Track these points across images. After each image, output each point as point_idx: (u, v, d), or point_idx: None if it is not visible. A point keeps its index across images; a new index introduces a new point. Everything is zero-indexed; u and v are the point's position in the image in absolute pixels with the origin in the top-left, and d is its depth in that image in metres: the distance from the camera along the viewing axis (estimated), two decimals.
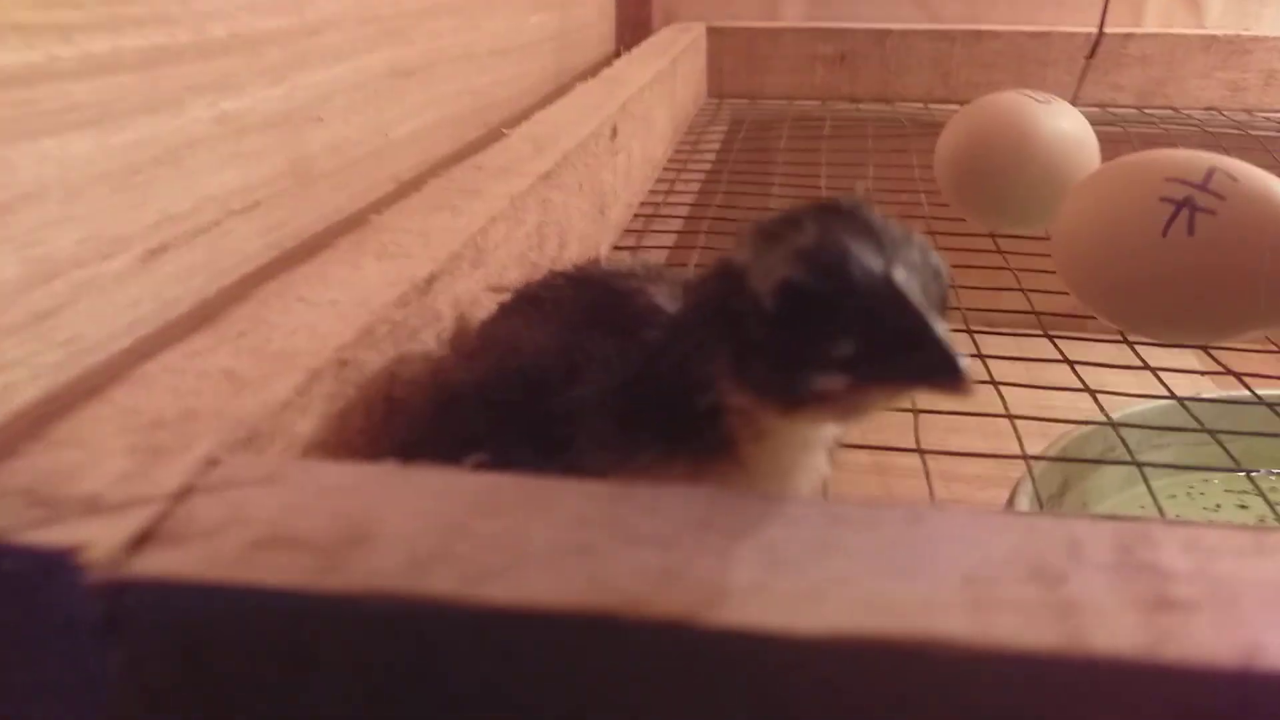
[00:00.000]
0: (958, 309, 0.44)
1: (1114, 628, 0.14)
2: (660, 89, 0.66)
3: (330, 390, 0.22)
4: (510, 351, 0.24)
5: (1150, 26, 0.92)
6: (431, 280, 0.28)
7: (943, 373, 0.17)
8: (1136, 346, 0.42)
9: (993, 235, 0.54)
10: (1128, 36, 0.88)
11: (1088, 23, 0.84)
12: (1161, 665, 0.13)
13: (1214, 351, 0.44)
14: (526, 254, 0.36)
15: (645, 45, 0.78)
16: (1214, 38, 0.88)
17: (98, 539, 0.16)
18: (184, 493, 0.17)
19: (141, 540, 0.16)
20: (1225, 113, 0.87)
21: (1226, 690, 0.13)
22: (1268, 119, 0.85)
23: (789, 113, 0.86)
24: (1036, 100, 0.52)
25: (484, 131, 0.54)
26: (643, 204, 0.59)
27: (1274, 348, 0.44)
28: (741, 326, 0.19)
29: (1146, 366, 0.41)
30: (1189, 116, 0.86)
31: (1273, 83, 0.88)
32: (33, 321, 0.25)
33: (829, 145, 0.74)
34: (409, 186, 0.37)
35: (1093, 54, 0.68)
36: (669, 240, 0.56)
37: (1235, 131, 0.80)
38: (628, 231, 0.55)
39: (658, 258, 0.54)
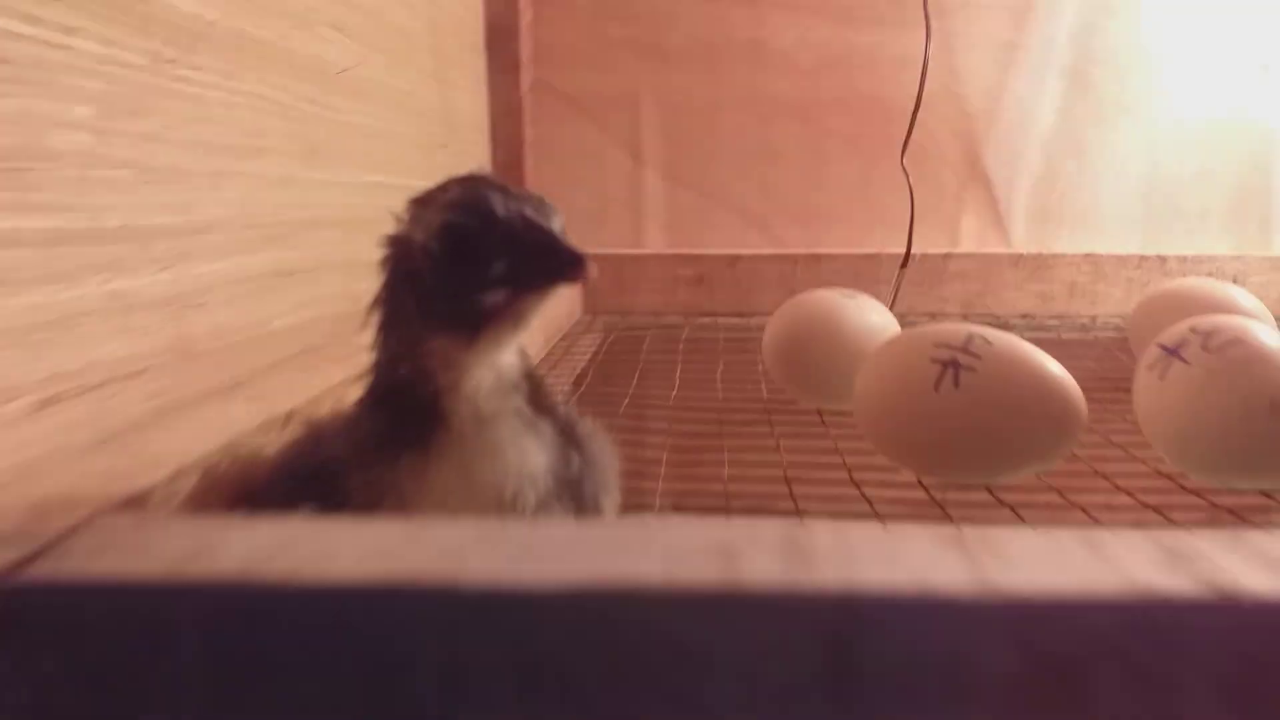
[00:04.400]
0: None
1: (764, 570, 0.19)
2: None
3: (193, 482, 0.27)
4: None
5: (966, 247, 1.05)
6: (290, 419, 0.33)
7: (573, 267, 0.25)
8: None
9: (819, 411, 0.61)
10: (947, 256, 1.01)
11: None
12: (799, 593, 0.18)
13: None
14: None
15: None
16: (1020, 255, 1.02)
17: None
18: (67, 533, 0.21)
19: (27, 561, 0.20)
20: (1038, 318, 0.99)
21: (843, 610, 0.18)
22: (1073, 323, 0.97)
23: (654, 324, 0.94)
24: (844, 296, 0.60)
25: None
26: None
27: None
28: (418, 280, 0.26)
29: None
30: (1007, 322, 0.97)
31: (1075, 293, 1.01)
32: None
33: (685, 348, 0.82)
34: None
35: (905, 264, 0.78)
36: None
37: (1046, 335, 0.92)
38: None
39: None
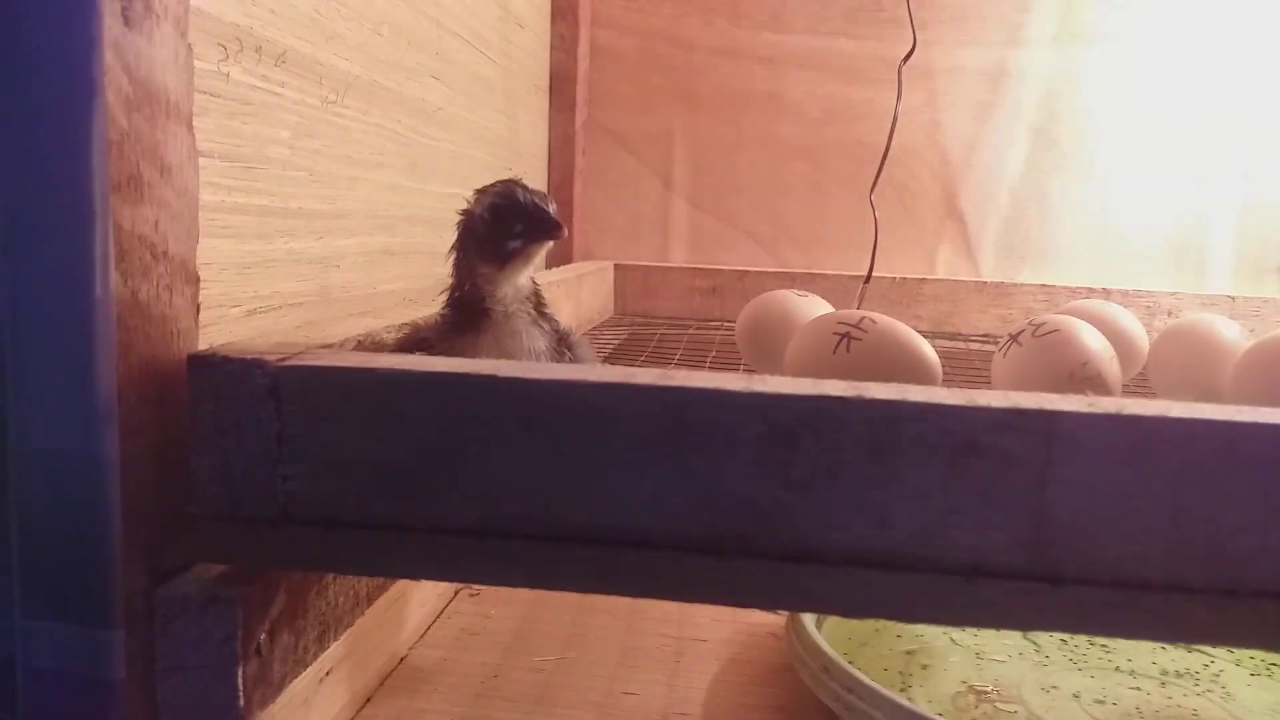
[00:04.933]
0: None
1: (644, 377, 0.38)
2: (565, 289, 0.94)
3: (354, 345, 0.47)
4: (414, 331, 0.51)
5: (940, 274, 1.24)
6: (402, 326, 0.53)
7: (556, 230, 0.47)
8: None
9: None
10: (922, 280, 1.20)
11: (893, 270, 1.16)
12: (659, 386, 0.38)
13: None
14: None
15: (562, 269, 1.07)
16: (985, 283, 1.20)
17: (268, 358, 0.40)
18: (301, 352, 0.41)
19: (282, 359, 0.40)
20: (997, 338, 1.17)
21: (678, 396, 0.38)
22: None
23: (669, 323, 1.14)
24: (798, 295, 0.80)
25: None
26: None
27: None
28: (477, 234, 0.47)
29: None
30: (969, 339, 1.16)
31: (1030, 317, 1.19)
32: (200, 327, 0.49)
33: (689, 340, 1.02)
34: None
35: (867, 280, 0.97)
36: None
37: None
38: None
39: None
